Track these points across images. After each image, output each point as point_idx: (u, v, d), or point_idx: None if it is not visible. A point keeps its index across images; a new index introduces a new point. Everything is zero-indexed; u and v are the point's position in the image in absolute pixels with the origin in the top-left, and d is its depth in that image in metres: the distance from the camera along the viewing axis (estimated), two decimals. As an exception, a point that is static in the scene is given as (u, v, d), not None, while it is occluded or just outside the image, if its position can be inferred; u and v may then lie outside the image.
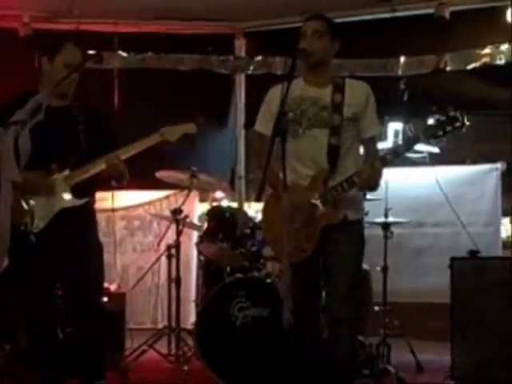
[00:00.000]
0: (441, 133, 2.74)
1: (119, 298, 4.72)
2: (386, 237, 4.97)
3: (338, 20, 5.30)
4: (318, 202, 2.94)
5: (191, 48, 6.05)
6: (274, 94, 3.06)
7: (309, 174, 3.01)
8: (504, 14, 5.04)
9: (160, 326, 5.41)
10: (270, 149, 2.67)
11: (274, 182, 2.95)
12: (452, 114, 2.70)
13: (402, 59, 5.46)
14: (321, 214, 2.94)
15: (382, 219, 4.93)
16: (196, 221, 5.85)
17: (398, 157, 2.84)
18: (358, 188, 2.93)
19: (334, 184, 2.95)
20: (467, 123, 2.70)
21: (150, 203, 6.17)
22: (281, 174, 2.71)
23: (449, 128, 2.72)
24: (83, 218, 3.16)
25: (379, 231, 5.02)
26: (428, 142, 2.80)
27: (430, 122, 2.72)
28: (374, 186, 2.98)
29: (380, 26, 5.42)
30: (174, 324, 4.72)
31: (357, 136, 3.07)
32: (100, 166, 3.06)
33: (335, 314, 2.96)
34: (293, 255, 2.69)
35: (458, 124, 2.70)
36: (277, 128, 2.70)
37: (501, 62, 5.21)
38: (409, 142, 2.83)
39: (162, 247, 5.11)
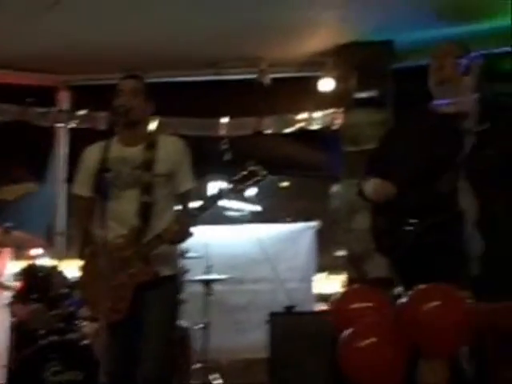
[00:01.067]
0: (242, 186, 2.86)
1: None
2: (207, 294, 5.01)
3: (165, 79, 5.45)
4: (131, 260, 2.91)
5: (11, 98, 5.80)
6: (90, 154, 3.06)
7: (124, 233, 2.98)
8: (318, 84, 5.40)
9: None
10: (90, 208, 2.63)
11: (91, 241, 2.89)
12: (252, 168, 2.84)
13: (225, 120, 5.64)
14: (133, 271, 2.92)
15: (203, 276, 4.98)
16: (9, 280, 5.50)
17: (204, 211, 2.90)
18: (167, 243, 2.93)
19: (146, 241, 2.94)
20: (265, 175, 2.85)
21: (-43, 260, 5.71)
22: (98, 233, 2.68)
23: (249, 182, 2.85)
24: None
25: (200, 288, 5.05)
26: (232, 196, 2.92)
27: (235, 177, 2.85)
28: (180, 240, 2.99)
29: (205, 87, 5.58)
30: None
31: (173, 192, 3.09)
32: None
33: (148, 373, 2.90)
34: (108, 315, 2.62)
35: (258, 178, 2.84)
36: (97, 187, 2.68)
37: (315, 127, 5.56)
38: (214, 197, 2.92)
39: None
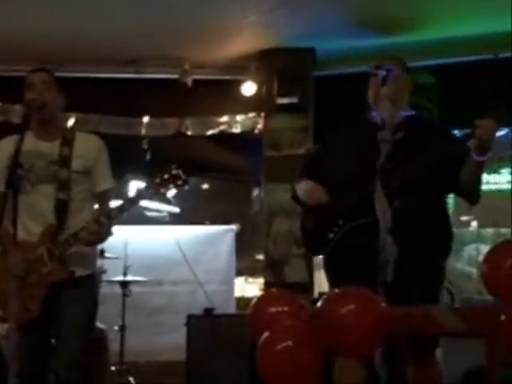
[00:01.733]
0: (163, 190, 2.84)
1: None
2: (124, 295, 4.95)
3: (85, 75, 5.34)
4: (44, 258, 2.85)
5: None
6: (3, 147, 2.95)
7: (39, 231, 2.91)
8: (240, 87, 5.43)
9: None
10: (2, 203, 2.55)
11: (3, 238, 2.80)
12: (174, 172, 2.83)
13: (146, 119, 5.56)
14: (47, 270, 2.84)
15: (120, 277, 4.91)
16: None
17: (122, 212, 2.87)
18: (84, 243, 2.87)
19: (62, 239, 2.88)
20: (187, 181, 2.84)
21: None
22: (10, 230, 2.60)
23: (171, 185, 2.83)
24: None
25: (118, 290, 4.99)
26: (152, 198, 2.90)
27: (156, 180, 2.83)
28: (98, 240, 2.95)
29: (127, 84, 5.49)
30: None
31: (90, 190, 3.03)
32: None
33: (63, 375, 2.83)
34: (19, 315, 2.55)
35: (179, 182, 2.83)
36: (9, 182, 2.60)
37: (237, 130, 5.58)
38: (134, 199, 2.89)
39: None
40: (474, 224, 6.40)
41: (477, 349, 2.38)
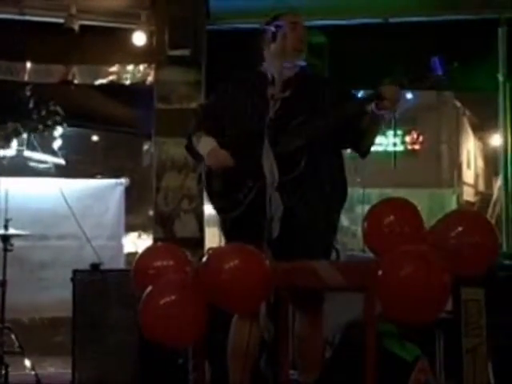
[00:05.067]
0: (41, 127, 2.75)
1: None
2: (5, 250, 4.77)
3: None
4: None
5: None
6: None
7: None
8: (131, 36, 5.23)
9: None
10: None
11: None
12: (51, 108, 2.73)
13: (29, 65, 5.27)
14: None
15: (1, 231, 4.73)
16: None
17: None
18: None
19: None
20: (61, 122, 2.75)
21: None
22: None
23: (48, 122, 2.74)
24: None
25: (-2, 243, 4.79)
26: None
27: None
28: None
29: (8, 26, 5.16)
30: None
31: None
32: None
33: None
34: None
35: (54, 119, 2.74)
36: None
37: (127, 81, 5.40)
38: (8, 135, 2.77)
39: None
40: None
41: (358, 302, 2.46)
